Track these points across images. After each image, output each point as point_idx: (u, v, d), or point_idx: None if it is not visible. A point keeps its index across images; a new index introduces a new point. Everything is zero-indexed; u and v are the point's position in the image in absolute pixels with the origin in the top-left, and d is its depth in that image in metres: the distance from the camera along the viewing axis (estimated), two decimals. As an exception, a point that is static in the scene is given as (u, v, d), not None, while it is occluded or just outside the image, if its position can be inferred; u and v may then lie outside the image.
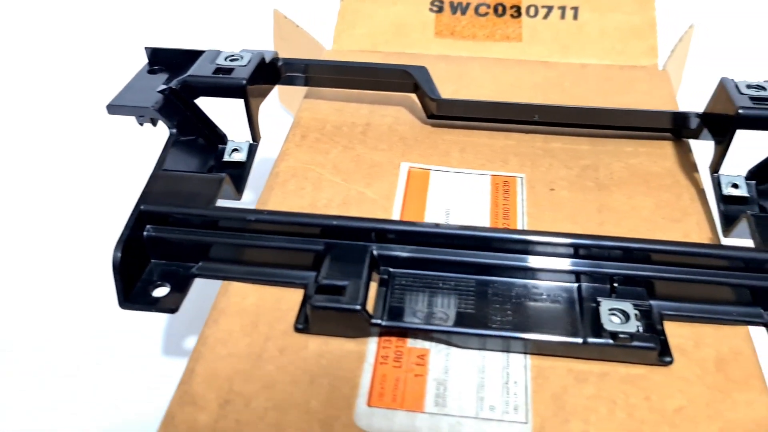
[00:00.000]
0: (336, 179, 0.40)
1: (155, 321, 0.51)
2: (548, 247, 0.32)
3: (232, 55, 0.39)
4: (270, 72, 0.41)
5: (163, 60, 0.40)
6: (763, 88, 0.36)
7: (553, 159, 0.41)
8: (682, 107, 0.47)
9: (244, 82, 0.37)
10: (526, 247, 0.32)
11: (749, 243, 0.34)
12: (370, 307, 0.31)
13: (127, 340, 0.50)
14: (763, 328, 0.31)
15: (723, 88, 0.37)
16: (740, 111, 0.35)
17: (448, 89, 0.47)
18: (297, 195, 0.38)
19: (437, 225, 0.33)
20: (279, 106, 0.69)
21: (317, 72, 0.43)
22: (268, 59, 0.41)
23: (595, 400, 0.29)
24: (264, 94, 0.41)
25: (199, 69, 0.38)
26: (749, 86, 0.36)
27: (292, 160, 0.41)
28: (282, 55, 0.54)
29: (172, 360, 0.50)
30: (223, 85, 0.38)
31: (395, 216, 0.37)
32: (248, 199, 0.41)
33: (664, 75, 0.48)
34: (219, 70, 0.38)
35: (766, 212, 0.36)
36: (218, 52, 0.40)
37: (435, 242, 0.33)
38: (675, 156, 0.41)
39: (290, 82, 0.44)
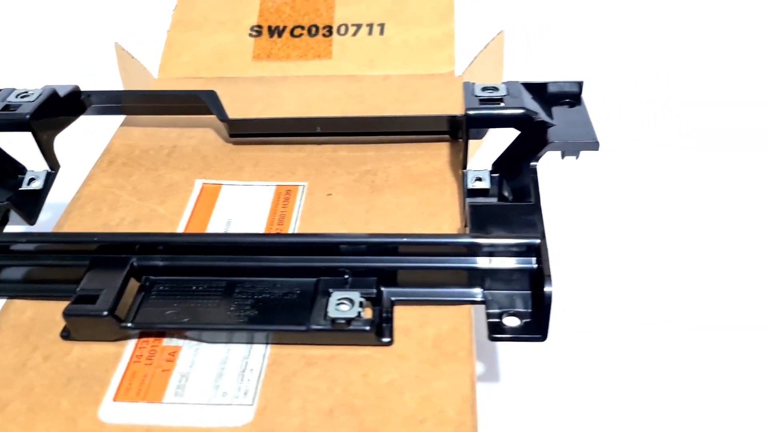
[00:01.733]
0: (132, 199, 0.43)
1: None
2: (288, 247, 0.36)
3: (24, 92, 0.43)
4: (67, 105, 0.45)
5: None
6: (496, 89, 0.40)
7: (338, 167, 0.45)
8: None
9: (28, 117, 0.41)
10: (269, 249, 0.36)
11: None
12: (122, 311, 0.34)
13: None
14: (482, 306, 0.35)
15: (463, 92, 0.41)
16: (468, 112, 0.39)
17: (255, 108, 0.50)
18: (92, 217, 0.42)
19: (189, 234, 0.36)
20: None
21: (121, 101, 0.47)
22: (63, 93, 0.44)
23: (319, 380, 0.32)
24: (60, 126, 0.44)
25: (-12, 107, 0.42)
26: (484, 89, 0.40)
27: (95, 184, 0.44)
28: (126, 85, 0.58)
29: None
30: (7, 121, 0.41)
31: (180, 229, 0.41)
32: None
33: (458, 81, 0.52)
34: (6, 107, 0.41)
35: (503, 200, 0.39)
36: (11, 90, 0.43)
37: (189, 250, 0.36)
38: (449, 156, 0.45)
39: (101, 112, 0.47)
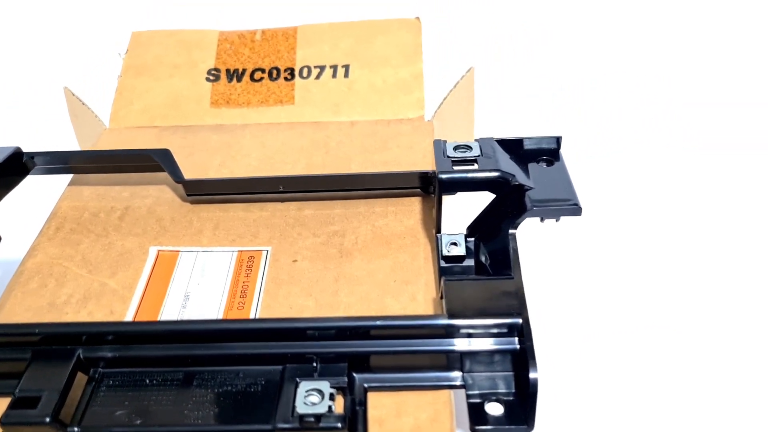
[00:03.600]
0: (82, 272, 0.40)
1: None
2: (251, 333, 0.33)
3: (-41, 160, 0.39)
4: (8, 169, 0.41)
5: None
6: (470, 148, 0.37)
7: (303, 227, 0.42)
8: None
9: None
10: (230, 336, 0.33)
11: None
12: (69, 413, 0.31)
13: None
14: (462, 390, 0.32)
15: (434, 151, 0.38)
16: (440, 176, 0.36)
17: (215, 161, 0.47)
18: (37, 294, 0.38)
19: (140, 323, 0.33)
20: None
21: (68, 162, 0.43)
22: (2, 158, 0.40)
23: (287, 486, 0.29)
24: (0, 193, 0.41)
25: None
26: (456, 148, 0.38)
27: (40, 255, 0.41)
28: (79, 132, 0.54)
29: None
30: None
31: (132, 307, 0.37)
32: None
33: (428, 126, 0.49)
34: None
35: (481, 266, 0.37)
36: (-54, 158, 0.39)
37: (141, 339, 0.33)
38: (421, 213, 0.42)
39: (47, 172, 0.44)
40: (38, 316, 0.37)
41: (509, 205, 0.36)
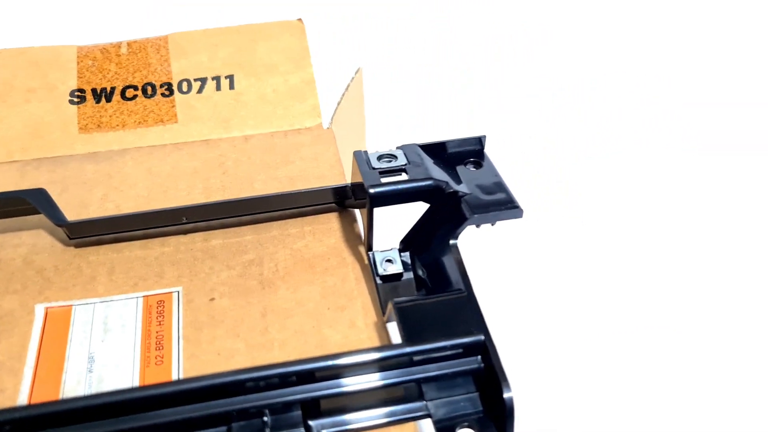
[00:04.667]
0: (-48, 346, 0.33)
1: None
2: (183, 395, 0.28)
3: None
4: None
5: None
6: (395, 157, 0.35)
7: (214, 261, 0.38)
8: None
9: None
10: (154, 402, 0.28)
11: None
12: None
13: None
14: (428, 420, 0.30)
15: (355, 164, 0.35)
16: (370, 190, 0.33)
17: (96, 195, 0.42)
18: None
19: (45, 404, 0.28)
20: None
21: None
22: None
23: None
24: None
25: None
26: (380, 157, 0.35)
27: None
28: None
29: None
30: None
31: (26, 380, 0.32)
32: None
33: (328, 134, 0.46)
34: None
35: (421, 284, 0.35)
36: None
37: (47, 422, 0.27)
38: (341, 230, 0.39)
39: None
40: None
41: (445, 214, 0.34)
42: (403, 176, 0.34)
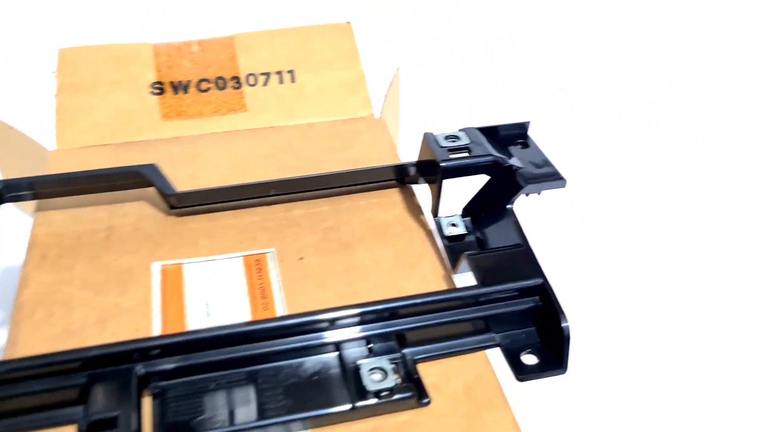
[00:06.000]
0: (87, 295, 0.39)
1: None
2: (303, 326, 0.35)
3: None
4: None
5: None
6: (458, 138, 0.42)
7: (298, 227, 0.44)
8: (402, 146, 0.52)
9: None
10: (284, 331, 0.35)
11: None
12: (147, 426, 0.31)
13: None
14: (497, 349, 0.37)
15: (426, 142, 0.42)
16: (442, 164, 0.40)
17: (185, 173, 0.47)
18: (47, 323, 0.37)
19: (193, 331, 0.34)
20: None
21: (45, 187, 0.42)
22: (-19, 189, 0.39)
23: (373, 456, 0.32)
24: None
25: None
26: (447, 137, 0.42)
27: (34, 285, 0.39)
28: (4, 160, 0.51)
29: None
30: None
31: (156, 321, 0.38)
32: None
33: (381, 123, 0.53)
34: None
35: (481, 243, 0.42)
36: None
37: (196, 347, 0.34)
38: (403, 202, 0.46)
39: (16, 200, 0.42)
40: (58, 346, 0.36)
41: (503, 184, 0.41)
42: (466, 154, 0.41)
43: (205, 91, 0.53)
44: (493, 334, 0.37)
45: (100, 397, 0.32)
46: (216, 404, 0.33)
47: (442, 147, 0.41)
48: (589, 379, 0.51)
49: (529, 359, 0.36)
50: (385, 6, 0.89)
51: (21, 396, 0.32)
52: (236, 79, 0.53)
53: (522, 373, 0.35)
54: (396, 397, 0.33)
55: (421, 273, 0.41)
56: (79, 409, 0.32)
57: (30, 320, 0.37)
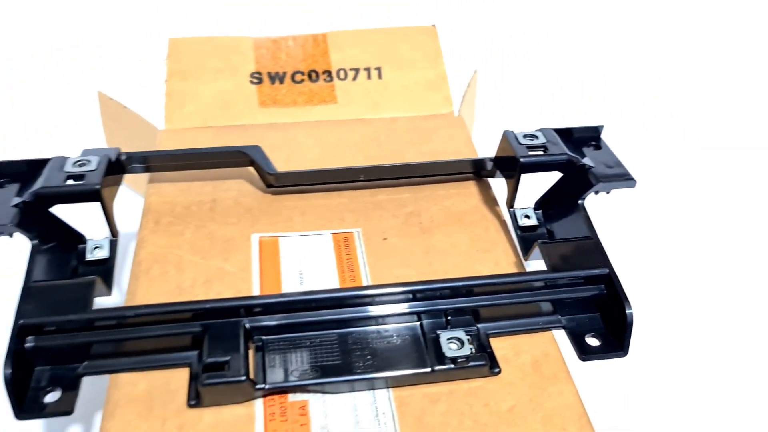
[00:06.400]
0: (195, 258, 0.44)
1: (54, 424, 0.52)
2: (391, 296, 0.39)
3: (80, 160, 0.42)
4: (117, 168, 0.45)
5: (8, 173, 0.42)
6: (536, 137, 0.45)
7: (382, 210, 0.48)
8: (477, 144, 0.56)
9: (98, 186, 0.40)
10: (373, 299, 0.39)
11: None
12: (251, 373, 0.36)
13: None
14: (562, 330, 0.40)
15: (506, 140, 0.46)
16: (521, 160, 0.44)
17: (279, 156, 0.52)
18: (162, 280, 0.42)
19: (295, 293, 0.38)
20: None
21: (159, 161, 0.47)
22: (113, 158, 0.44)
23: (447, 415, 0.36)
24: (115, 192, 0.44)
25: (49, 179, 0.41)
26: (525, 136, 0.45)
27: (150, 246, 0.44)
28: (113, 136, 0.57)
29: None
30: (78, 192, 0.40)
31: (255, 285, 0.42)
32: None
33: (459, 120, 0.57)
34: (70, 176, 0.41)
35: (551, 234, 0.45)
36: (65, 159, 0.42)
37: (296, 308, 0.38)
38: (479, 194, 0.50)
39: (133, 171, 0.47)
40: (171, 299, 0.41)
41: (575, 183, 0.44)
42: (541, 152, 0.45)
43: (299, 82, 0.57)
44: (559, 317, 0.40)
45: (212, 344, 0.36)
46: (309, 359, 0.37)
47: (521, 144, 0.45)
48: (642, 363, 0.52)
49: (592, 341, 0.39)
50: (385, 6, 0.91)
51: (145, 338, 0.37)
52: (328, 72, 0.58)
53: (585, 353, 0.39)
54: (471, 364, 0.37)
55: (494, 258, 0.45)
56: (192, 354, 0.37)
57: (147, 276, 0.42)
